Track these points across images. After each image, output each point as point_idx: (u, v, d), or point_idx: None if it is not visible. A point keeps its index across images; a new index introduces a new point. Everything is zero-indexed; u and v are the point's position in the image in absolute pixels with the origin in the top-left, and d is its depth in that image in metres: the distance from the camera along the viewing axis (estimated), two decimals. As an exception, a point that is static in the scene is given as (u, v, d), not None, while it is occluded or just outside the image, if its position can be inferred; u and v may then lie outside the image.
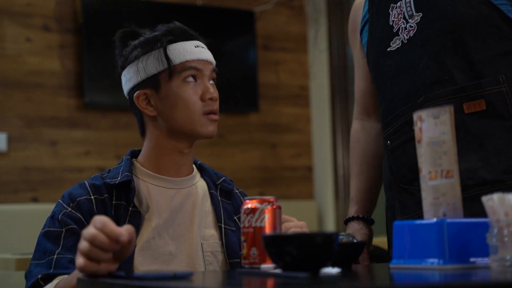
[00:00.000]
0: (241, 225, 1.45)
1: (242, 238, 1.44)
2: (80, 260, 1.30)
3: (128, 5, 4.63)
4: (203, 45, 1.76)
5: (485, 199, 1.24)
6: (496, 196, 1.22)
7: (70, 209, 1.63)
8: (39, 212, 4.55)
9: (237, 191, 1.83)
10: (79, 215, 1.62)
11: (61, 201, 1.66)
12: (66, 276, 1.53)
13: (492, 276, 1.16)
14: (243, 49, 5.03)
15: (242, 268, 1.42)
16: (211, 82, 1.74)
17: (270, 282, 1.19)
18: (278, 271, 1.26)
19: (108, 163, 4.42)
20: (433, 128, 1.34)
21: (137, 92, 1.73)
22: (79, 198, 1.64)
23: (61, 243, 1.59)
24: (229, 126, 4.91)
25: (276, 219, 1.44)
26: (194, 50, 1.72)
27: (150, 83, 1.71)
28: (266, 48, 5.15)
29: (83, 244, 1.30)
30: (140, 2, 4.70)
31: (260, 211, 1.43)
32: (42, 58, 4.42)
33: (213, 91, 1.71)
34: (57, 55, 4.45)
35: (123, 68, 1.78)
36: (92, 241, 1.28)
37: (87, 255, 1.29)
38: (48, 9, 4.46)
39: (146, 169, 1.72)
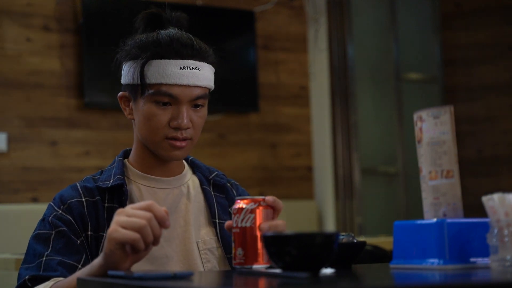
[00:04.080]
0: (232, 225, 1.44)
1: (232, 238, 1.43)
2: (135, 235, 1.31)
3: (128, 5, 4.63)
4: (196, 66, 1.64)
5: (485, 199, 1.24)
6: (496, 196, 1.22)
7: (60, 211, 1.62)
8: (39, 212, 4.54)
9: (229, 184, 1.81)
10: (69, 217, 1.61)
11: (52, 204, 1.65)
12: (61, 278, 1.53)
13: (492, 276, 1.16)
14: (243, 49, 5.03)
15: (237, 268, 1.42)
16: (194, 106, 1.66)
17: (270, 282, 1.19)
18: (273, 271, 1.26)
19: (108, 163, 4.40)
20: (433, 128, 1.34)
21: (120, 92, 1.73)
22: (70, 201, 1.63)
23: (51, 245, 1.58)
24: (229, 126, 4.91)
25: (264, 219, 1.43)
26: (174, 73, 1.61)
27: (130, 89, 1.69)
28: (266, 48, 5.15)
29: (139, 221, 1.31)
30: (140, 2, 4.69)
31: (246, 211, 1.42)
32: (42, 58, 4.42)
33: (184, 119, 1.62)
34: (57, 55, 4.45)
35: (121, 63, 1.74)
36: (149, 221, 1.32)
37: (140, 232, 1.31)
38: (48, 9, 4.46)
39: (137, 170, 1.72)
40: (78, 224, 1.61)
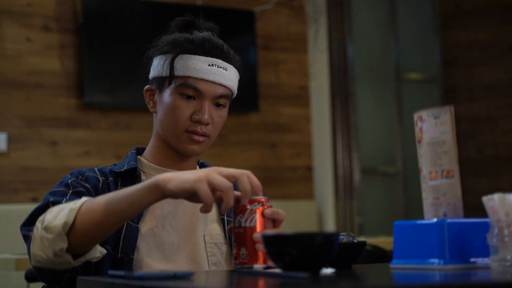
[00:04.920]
0: (232, 225, 1.44)
1: (233, 238, 1.43)
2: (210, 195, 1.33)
3: (128, 5, 4.63)
4: (223, 66, 1.73)
5: (485, 199, 1.24)
6: (496, 196, 1.22)
7: (79, 180, 1.65)
8: (39, 212, 4.55)
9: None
10: (87, 185, 1.64)
11: (69, 175, 1.68)
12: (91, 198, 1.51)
13: (492, 276, 1.15)
14: (243, 49, 5.03)
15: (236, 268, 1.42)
16: (216, 105, 1.72)
17: (270, 282, 1.19)
18: (275, 270, 1.26)
19: (108, 163, 4.41)
20: (433, 128, 1.34)
21: (147, 86, 1.78)
22: (88, 174, 1.68)
23: (68, 198, 1.58)
24: (229, 126, 4.91)
25: (266, 220, 1.43)
26: (202, 68, 1.69)
27: (157, 82, 1.74)
28: (266, 48, 5.15)
29: (226, 183, 1.34)
30: (140, 2, 4.70)
31: (250, 211, 1.42)
32: (42, 58, 4.42)
33: (205, 114, 1.68)
34: (57, 55, 4.45)
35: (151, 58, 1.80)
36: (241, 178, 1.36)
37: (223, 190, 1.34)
38: (48, 9, 4.46)
39: (151, 163, 1.75)
40: (93, 194, 1.63)
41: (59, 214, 1.44)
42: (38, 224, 1.46)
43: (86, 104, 4.44)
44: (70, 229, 1.42)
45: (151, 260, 1.62)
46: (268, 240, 1.22)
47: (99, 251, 1.49)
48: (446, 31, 5.83)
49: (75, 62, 4.48)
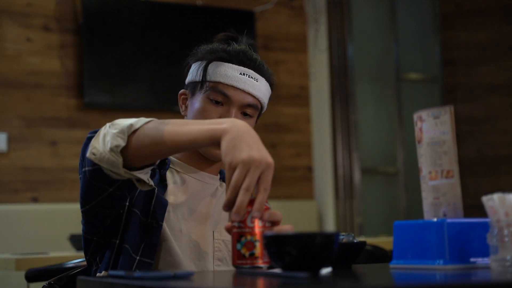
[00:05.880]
0: (251, 225, 1.40)
1: (253, 237, 1.39)
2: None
3: (128, 5, 4.63)
4: (254, 76, 1.77)
5: (485, 199, 1.24)
6: (496, 196, 1.22)
7: None
8: (39, 212, 4.56)
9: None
10: None
11: None
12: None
13: (492, 276, 1.16)
14: (243, 49, 5.03)
15: (256, 267, 1.40)
16: (243, 113, 1.74)
17: (270, 282, 1.19)
18: (278, 270, 1.26)
19: (108, 163, 4.42)
20: (433, 128, 1.34)
21: (182, 90, 1.83)
22: None
23: None
24: (229, 126, 4.91)
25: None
26: (233, 76, 1.74)
27: (191, 87, 1.79)
28: (266, 48, 5.15)
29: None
30: (140, 2, 4.70)
31: (270, 212, 1.43)
32: (42, 58, 4.42)
33: None
34: (57, 55, 4.45)
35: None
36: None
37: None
38: (48, 9, 4.46)
39: (173, 158, 1.78)
40: None
41: (128, 119, 1.53)
42: (107, 123, 1.53)
43: (86, 104, 4.44)
44: (133, 133, 1.49)
45: (164, 238, 1.66)
46: (268, 240, 1.22)
47: (147, 179, 1.53)
48: (446, 31, 5.83)
49: (75, 62, 4.48)
